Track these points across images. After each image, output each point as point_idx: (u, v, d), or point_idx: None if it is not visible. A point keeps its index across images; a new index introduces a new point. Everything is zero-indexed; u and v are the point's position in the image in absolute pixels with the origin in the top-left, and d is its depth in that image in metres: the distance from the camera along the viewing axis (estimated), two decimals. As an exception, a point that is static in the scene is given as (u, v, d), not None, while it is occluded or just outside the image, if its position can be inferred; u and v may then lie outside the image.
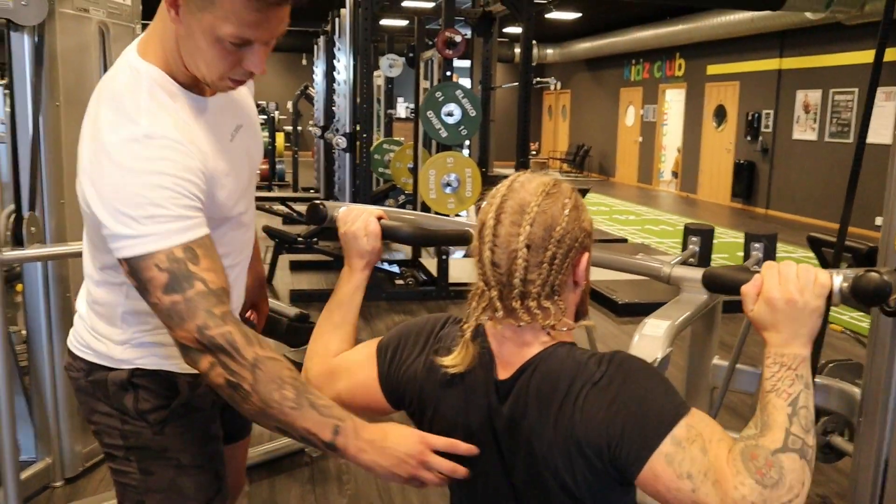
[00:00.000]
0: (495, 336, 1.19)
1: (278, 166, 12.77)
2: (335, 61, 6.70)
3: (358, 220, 1.43)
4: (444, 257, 5.93)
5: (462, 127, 5.51)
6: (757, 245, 2.48)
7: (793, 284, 1.04)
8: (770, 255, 2.54)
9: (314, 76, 10.03)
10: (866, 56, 10.02)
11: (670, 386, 1.11)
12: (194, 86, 1.27)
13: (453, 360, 1.18)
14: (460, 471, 1.16)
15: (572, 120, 19.19)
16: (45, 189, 2.64)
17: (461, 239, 1.57)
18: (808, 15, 9.13)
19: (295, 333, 2.82)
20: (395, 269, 6.64)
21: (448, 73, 5.74)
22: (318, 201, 1.58)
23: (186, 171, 1.18)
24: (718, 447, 1.03)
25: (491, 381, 1.18)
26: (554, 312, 1.13)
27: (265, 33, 1.18)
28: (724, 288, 1.23)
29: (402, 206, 6.91)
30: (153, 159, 1.15)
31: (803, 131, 11.21)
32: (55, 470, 2.86)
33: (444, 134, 5.51)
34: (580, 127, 18.69)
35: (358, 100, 5.83)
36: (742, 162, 12.44)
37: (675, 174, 15.26)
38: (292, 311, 2.86)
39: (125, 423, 1.34)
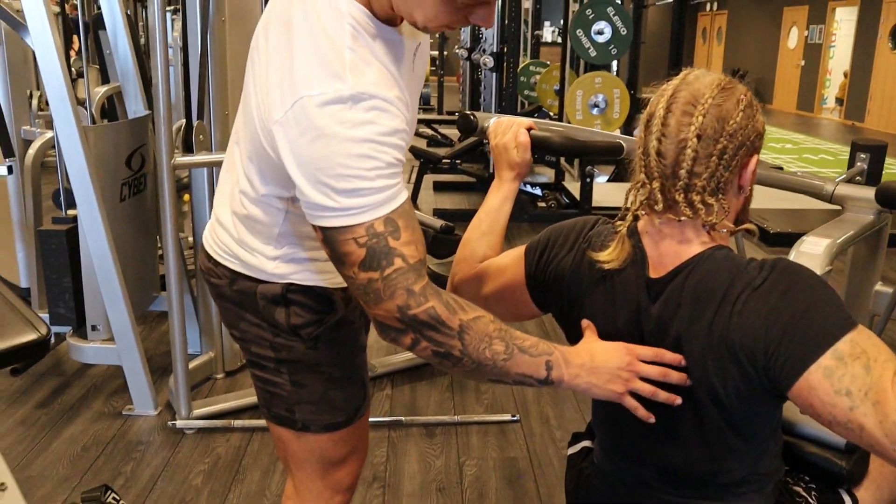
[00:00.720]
0: (650, 235, 1.17)
1: (423, 90, 12.86)
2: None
3: (508, 132, 1.43)
4: (588, 180, 5.83)
5: (612, 46, 5.34)
6: (863, 156, 2.25)
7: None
8: (878, 169, 2.30)
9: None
10: None
11: (837, 298, 1.07)
12: (390, 19, 1.14)
13: (609, 256, 1.18)
14: (673, 376, 1.12)
15: (728, 43, 18.10)
16: (211, 101, 2.80)
17: (613, 149, 1.55)
18: None
19: (441, 245, 2.89)
20: (538, 191, 6.61)
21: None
22: (468, 111, 1.58)
23: (393, 133, 1.06)
24: (884, 368, 0.98)
25: (642, 279, 1.16)
26: (717, 210, 1.10)
27: None
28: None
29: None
30: (360, 124, 1.02)
31: None
32: (217, 363, 3.11)
33: (593, 53, 5.37)
34: (737, 51, 17.63)
35: (506, 20, 5.74)
36: (919, 87, 11.39)
37: (839, 101, 14.17)
38: (438, 222, 2.92)
39: (276, 336, 1.31)
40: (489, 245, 1.42)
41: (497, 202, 1.44)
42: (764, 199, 5.61)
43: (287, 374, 1.34)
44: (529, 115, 6.91)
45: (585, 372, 1.15)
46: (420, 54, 1.27)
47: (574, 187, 6.40)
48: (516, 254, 1.35)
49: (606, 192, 6.40)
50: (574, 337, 1.27)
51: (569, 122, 5.50)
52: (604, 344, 1.17)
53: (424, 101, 12.75)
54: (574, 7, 6.54)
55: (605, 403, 1.24)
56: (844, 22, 13.94)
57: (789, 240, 5.85)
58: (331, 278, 1.30)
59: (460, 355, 1.11)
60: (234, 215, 1.28)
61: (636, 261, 1.17)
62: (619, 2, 5.47)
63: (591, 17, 5.27)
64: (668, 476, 1.24)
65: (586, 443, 1.50)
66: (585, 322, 1.21)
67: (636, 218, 1.20)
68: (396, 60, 1.14)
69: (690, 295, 1.11)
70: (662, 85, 1.16)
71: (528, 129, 1.44)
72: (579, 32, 5.30)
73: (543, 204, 6.28)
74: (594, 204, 5.95)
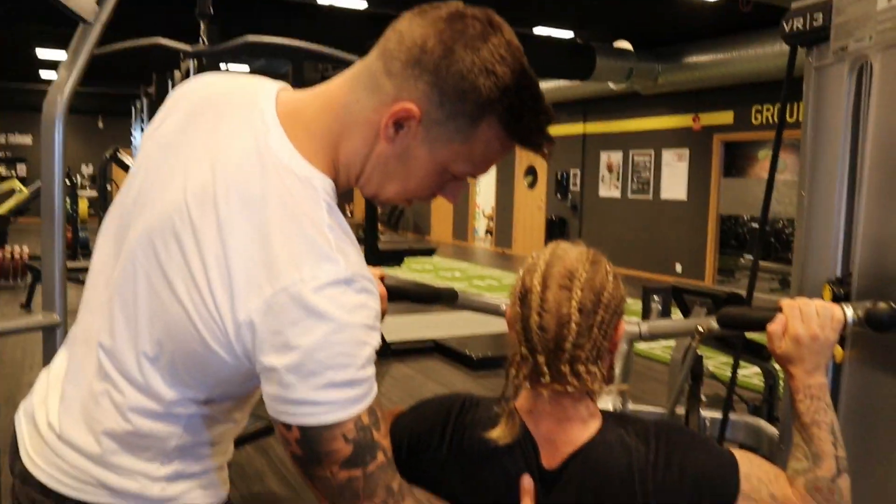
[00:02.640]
0: (534, 414, 1.16)
1: (81, 234, 11.92)
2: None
3: None
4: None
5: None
6: (657, 297, 2.64)
7: (815, 322, 1.15)
8: (667, 306, 2.72)
9: (132, 139, 9.52)
10: (660, 121, 11.10)
11: (715, 445, 1.18)
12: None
13: (499, 433, 1.13)
14: None
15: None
16: None
17: (452, 296, 1.55)
18: (611, 85, 9.99)
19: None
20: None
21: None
22: None
23: (378, 316, 0.98)
24: (780, 486, 1.12)
25: (535, 469, 1.14)
26: (599, 377, 1.13)
27: (487, 169, 1.07)
28: (748, 327, 1.32)
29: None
30: (356, 308, 0.93)
31: (608, 189, 12.15)
32: None
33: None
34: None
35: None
36: (554, 218, 13.24)
37: (489, 232, 15.90)
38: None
39: None
40: None
41: None
42: (466, 325, 5.99)
43: None
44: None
45: None
46: None
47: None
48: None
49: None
50: None
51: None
52: None
53: (83, 246, 11.77)
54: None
55: None
56: (485, 163, 15.84)
57: (492, 363, 6.28)
58: (223, 491, 1.10)
59: None
60: (101, 434, 1.02)
61: (524, 447, 1.15)
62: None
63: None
64: None
65: None
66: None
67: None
68: None
69: (592, 489, 1.12)
70: (527, 262, 1.17)
71: (381, 279, 1.38)
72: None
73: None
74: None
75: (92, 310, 1.07)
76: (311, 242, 0.93)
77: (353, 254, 0.97)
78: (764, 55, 8.22)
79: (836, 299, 1.54)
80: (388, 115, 0.97)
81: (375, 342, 0.96)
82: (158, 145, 1.07)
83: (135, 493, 1.02)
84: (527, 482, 1.14)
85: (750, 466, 1.13)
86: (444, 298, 1.51)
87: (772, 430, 2.56)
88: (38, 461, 1.06)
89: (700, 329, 1.78)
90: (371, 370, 0.96)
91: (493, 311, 1.66)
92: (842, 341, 1.67)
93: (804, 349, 1.15)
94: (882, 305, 1.19)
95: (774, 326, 1.18)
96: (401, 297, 1.43)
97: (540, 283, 1.11)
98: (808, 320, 1.15)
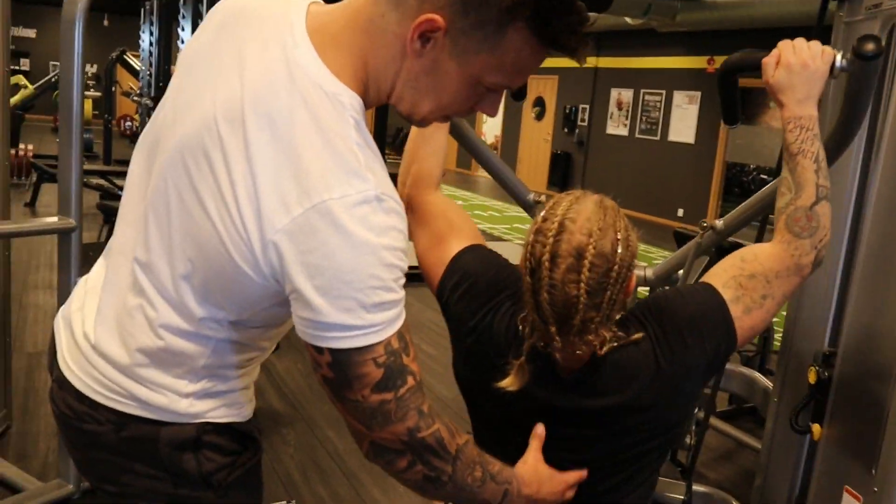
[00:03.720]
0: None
1: (85, 136, 11.83)
2: (179, 29, 6.30)
3: None
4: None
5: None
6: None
7: (806, 52, 1.23)
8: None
9: (140, 42, 9.39)
10: (674, 61, 10.93)
11: (687, 289, 1.28)
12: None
13: (509, 382, 1.19)
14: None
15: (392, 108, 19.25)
16: None
17: None
18: (627, 20, 9.79)
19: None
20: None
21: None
22: None
23: (406, 238, 0.97)
24: (751, 259, 1.22)
25: (549, 375, 1.22)
26: (610, 336, 1.17)
27: (524, 79, 1.04)
28: (748, 66, 1.42)
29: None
30: (386, 229, 0.92)
31: (616, 127, 12.05)
32: None
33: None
34: (393, 111, 18.82)
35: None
36: (559, 153, 13.16)
37: (492, 161, 15.82)
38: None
39: (179, 488, 1.09)
40: (435, 149, 1.44)
41: None
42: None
43: None
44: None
45: (528, 502, 1.19)
46: None
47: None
48: (449, 246, 1.37)
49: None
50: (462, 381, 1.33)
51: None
52: (551, 479, 1.22)
53: (87, 149, 11.69)
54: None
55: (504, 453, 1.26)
56: (493, 91, 15.63)
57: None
58: (248, 410, 1.15)
59: (447, 480, 1.05)
60: (134, 349, 1.04)
61: (542, 361, 1.20)
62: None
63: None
64: None
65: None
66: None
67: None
68: None
69: (613, 375, 1.20)
70: (538, 219, 1.17)
71: None
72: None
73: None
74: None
75: (129, 223, 1.08)
76: (341, 158, 0.92)
77: (382, 173, 0.95)
78: (788, 0, 8.06)
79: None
80: (413, 27, 0.94)
81: (404, 264, 0.95)
82: (191, 60, 1.07)
83: (163, 406, 1.05)
84: (540, 429, 1.22)
85: (720, 276, 1.23)
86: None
87: (765, 381, 2.63)
88: (73, 368, 1.09)
89: (704, 223, 1.83)
90: (400, 294, 0.95)
91: (521, 196, 1.74)
92: (820, 419, 1.70)
93: (795, 77, 1.23)
94: (868, 41, 1.27)
95: (769, 59, 1.27)
96: None
97: (548, 260, 1.11)
98: (800, 51, 1.24)
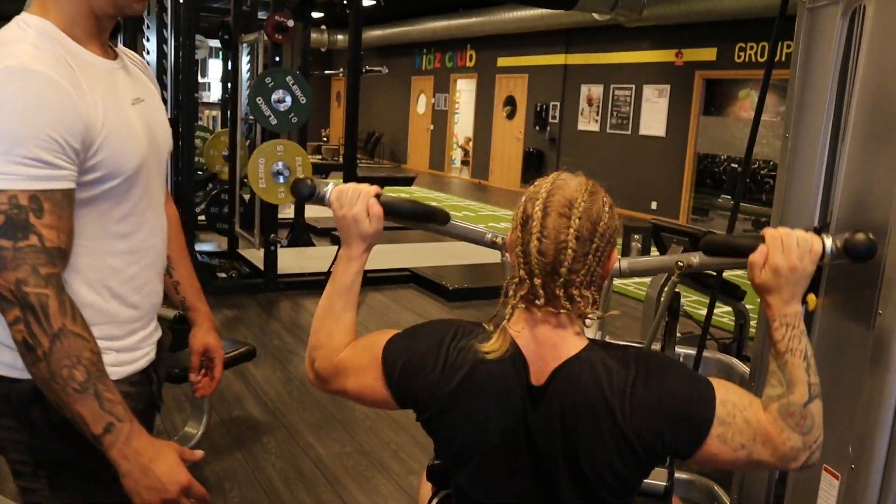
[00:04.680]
0: (523, 334, 1.21)
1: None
2: (145, 40, 6.24)
3: (357, 203, 1.34)
4: (272, 248, 5.76)
5: (292, 114, 5.37)
6: (636, 236, 2.68)
7: (794, 253, 1.19)
8: (647, 245, 2.77)
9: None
10: (643, 56, 11.01)
11: (692, 372, 1.23)
12: (93, 46, 1.27)
13: (491, 346, 1.20)
14: None
15: (362, 107, 19.19)
16: None
17: (446, 215, 1.54)
18: (595, 16, 9.85)
19: (178, 336, 2.64)
20: (216, 261, 6.34)
21: (277, 59, 5.55)
22: (304, 176, 1.47)
23: (61, 112, 1.13)
24: (755, 411, 1.17)
25: (525, 386, 1.20)
26: (590, 301, 1.19)
27: None
28: (731, 254, 1.36)
29: (218, 195, 6.59)
30: (29, 95, 1.11)
31: (587, 123, 12.11)
32: None
33: (273, 121, 5.34)
34: (370, 114, 18.77)
35: (180, 78, 5.48)
36: (531, 150, 13.19)
37: (465, 162, 15.83)
38: (171, 312, 2.66)
39: (34, 437, 1.24)
40: (345, 330, 1.35)
41: (349, 280, 1.36)
42: (440, 256, 6.06)
43: (45, 476, 1.27)
44: (206, 181, 6.64)
45: (137, 464, 1.18)
46: (145, 108, 1.36)
47: (253, 255, 6.27)
48: (372, 356, 1.30)
49: (291, 258, 6.38)
50: (441, 442, 1.28)
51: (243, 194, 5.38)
52: (174, 459, 1.22)
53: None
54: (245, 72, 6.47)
55: (477, 490, 1.27)
56: (465, 92, 15.66)
57: (467, 294, 6.33)
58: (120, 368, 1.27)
59: (42, 356, 1.12)
60: None
61: (515, 364, 1.20)
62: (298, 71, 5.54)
63: (270, 85, 5.26)
64: None
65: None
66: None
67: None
68: (100, 79, 1.24)
69: (571, 408, 1.17)
70: (531, 189, 1.22)
71: (377, 196, 1.37)
72: (259, 100, 5.25)
73: (224, 275, 6.04)
74: (279, 271, 5.88)
75: None
76: (4, 47, 1.15)
77: (49, 60, 1.15)
78: (751, -8, 8.14)
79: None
80: None
81: (49, 132, 1.11)
82: None
83: (9, 363, 1.21)
84: None
85: (726, 392, 1.18)
86: (438, 218, 1.51)
87: (742, 367, 2.66)
88: None
89: (680, 264, 1.82)
90: (39, 155, 1.11)
91: (479, 239, 1.68)
92: (816, 288, 1.72)
93: (782, 280, 1.19)
94: (860, 236, 1.21)
95: (756, 257, 1.23)
96: (396, 214, 1.42)
97: (541, 210, 1.17)
98: (789, 252, 1.19)
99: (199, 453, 1.28)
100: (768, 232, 1.23)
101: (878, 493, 1.55)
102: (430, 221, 1.50)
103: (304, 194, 1.41)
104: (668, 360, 1.26)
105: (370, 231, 1.35)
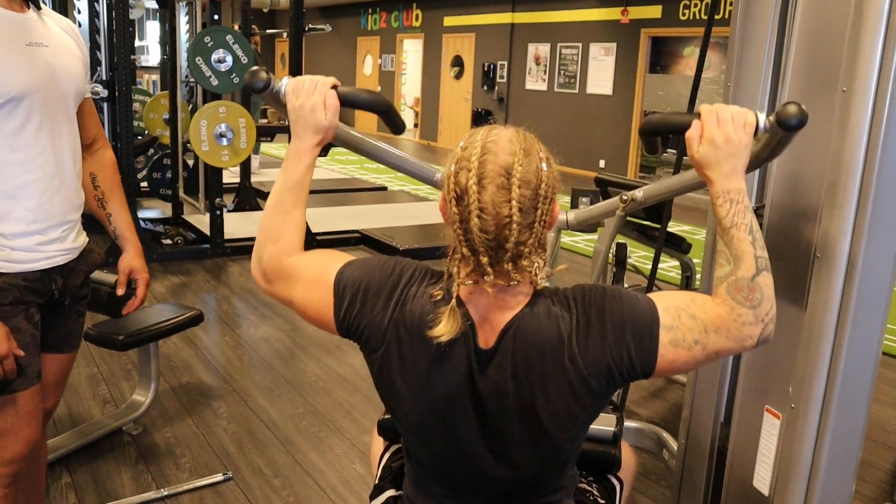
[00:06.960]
0: (472, 298, 1.19)
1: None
2: (76, 12, 6.00)
3: (315, 93, 1.31)
4: (218, 212, 5.66)
5: (234, 74, 5.23)
6: (584, 199, 2.68)
7: (729, 126, 1.20)
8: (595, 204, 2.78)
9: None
10: (589, 14, 10.99)
11: (628, 293, 1.22)
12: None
13: (441, 330, 1.15)
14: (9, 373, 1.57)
15: (308, 69, 18.87)
16: None
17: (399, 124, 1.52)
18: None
19: (116, 303, 2.58)
20: (160, 228, 6.21)
21: (216, 18, 5.39)
22: (259, 66, 1.42)
23: None
24: (699, 305, 1.18)
25: (472, 348, 1.19)
26: (542, 264, 1.17)
27: None
28: (668, 130, 1.37)
29: (160, 160, 6.42)
30: None
31: (535, 82, 12.09)
32: None
33: (214, 82, 5.19)
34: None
35: (114, 40, 5.29)
36: (480, 110, 13.14)
37: (415, 124, 15.70)
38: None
39: None
40: (294, 227, 1.32)
41: (299, 174, 1.33)
42: (389, 218, 6.04)
43: None
44: (147, 145, 6.47)
45: None
46: (45, 53, 1.61)
47: (198, 220, 6.16)
48: (324, 275, 1.27)
49: (238, 223, 6.28)
50: (383, 386, 1.27)
51: (185, 158, 5.26)
52: (3, 331, 1.56)
53: None
54: (184, 33, 6.28)
55: (424, 451, 1.27)
56: (412, 52, 15.47)
57: (417, 254, 6.37)
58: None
59: None
60: None
61: (464, 334, 1.18)
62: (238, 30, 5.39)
63: (210, 45, 5.11)
64: (497, 500, 1.30)
65: (391, 492, 1.48)
66: None
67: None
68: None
69: (523, 362, 1.17)
70: (457, 151, 1.15)
71: (335, 87, 1.34)
72: (199, 60, 5.10)
73: (169, 241, 5.91)
74: (226, 236, 5.79)
75: None
76: None
77: None
78: (694, -52, 8.15)
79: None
80: None
81: None
82: None
83: None
84: None
85: (665, 300, 1.19)
86: (393, 114, 1.48)
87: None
88: None
89: (625, 197, 1.83)
90: None
91: (428, 177, 1.68)
92: None
93: (720, 152, 1.19)
94: (791, 107, 1.21)
95: (692, 132, 1.23)
96: (354, 105, 1.38)
97: (476, 184, 1.10)
98: (724, 124, 1.20)
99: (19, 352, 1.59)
100: (704, 107, 1.23)
101: (816, 431, 1.60)
102: (385, 113, 1.47)
103: (259, 87, 1.37)
104: (603, 289, 1.22)
105: (326, 123, 1.32)
